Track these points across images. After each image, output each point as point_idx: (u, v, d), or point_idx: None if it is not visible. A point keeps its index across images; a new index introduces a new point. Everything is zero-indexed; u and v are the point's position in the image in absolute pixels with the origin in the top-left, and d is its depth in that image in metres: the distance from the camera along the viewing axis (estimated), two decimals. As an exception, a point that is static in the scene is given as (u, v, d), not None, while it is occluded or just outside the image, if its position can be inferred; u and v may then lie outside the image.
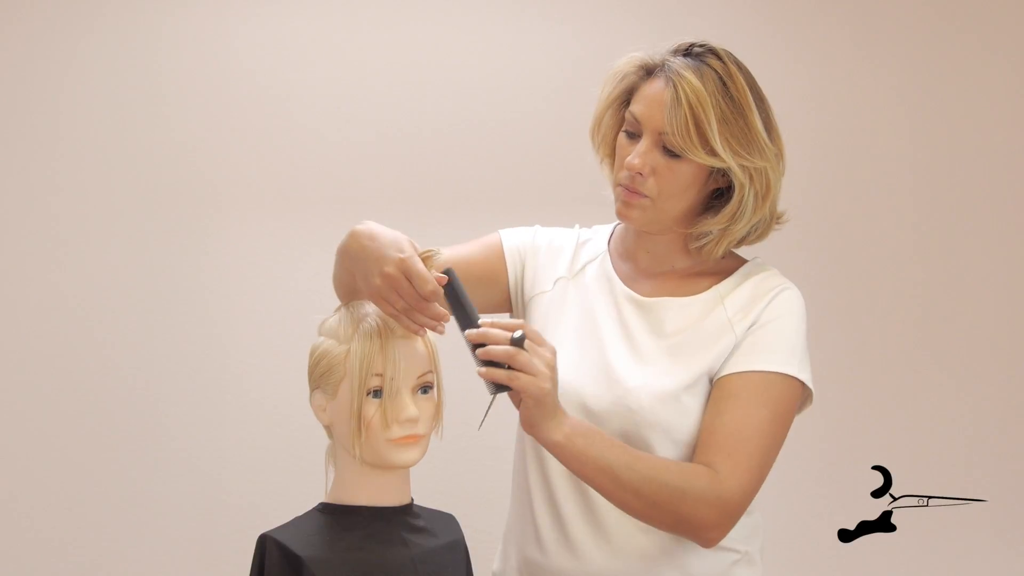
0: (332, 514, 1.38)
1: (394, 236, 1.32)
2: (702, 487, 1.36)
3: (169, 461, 2.34)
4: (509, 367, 1.28)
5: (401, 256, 1.29)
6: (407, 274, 1.28)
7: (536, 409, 1.30)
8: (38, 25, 2.33)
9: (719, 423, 1.41)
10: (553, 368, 1.31)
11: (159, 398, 2.34)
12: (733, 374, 1.43)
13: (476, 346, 1.30)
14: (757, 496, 1.54)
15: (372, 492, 1.38)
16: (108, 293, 2.33)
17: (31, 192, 2.33)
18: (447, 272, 1.32)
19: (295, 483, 2.27)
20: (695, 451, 1.43)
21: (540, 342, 1.31)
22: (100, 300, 2.33)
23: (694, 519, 1.37)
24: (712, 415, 1.43)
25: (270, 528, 1.36)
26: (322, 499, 1.41)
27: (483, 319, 1.31)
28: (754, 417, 1.41)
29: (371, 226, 1.35)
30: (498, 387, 1.30)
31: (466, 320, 1.32)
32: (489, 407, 1.36)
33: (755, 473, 1.40)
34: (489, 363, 1.29)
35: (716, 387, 1.44)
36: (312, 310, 1.47)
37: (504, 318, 1.48)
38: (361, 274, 1.34)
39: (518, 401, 1.32)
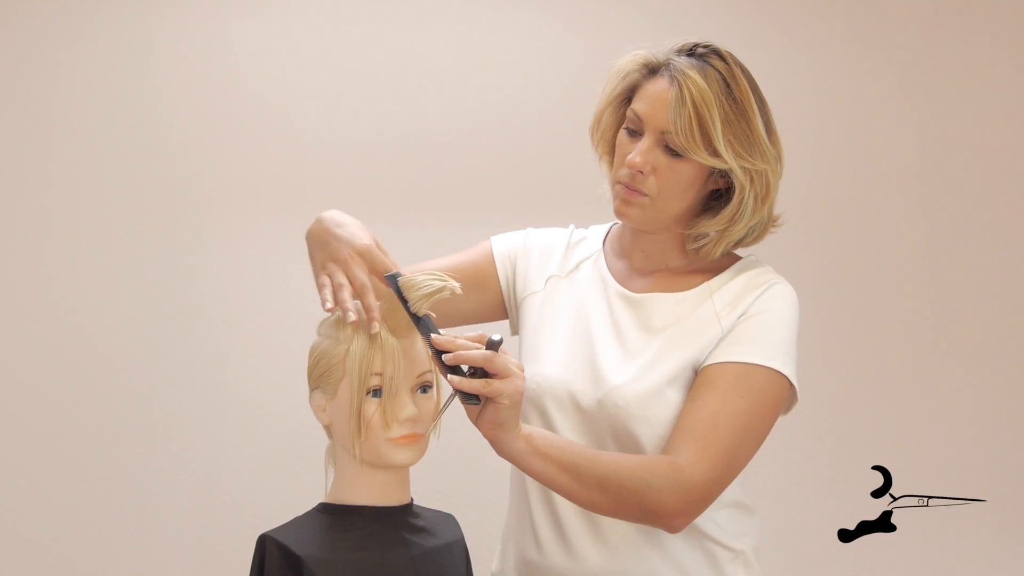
0: (332, 514, 1.38)
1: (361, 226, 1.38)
2: (663, 475, 1.35)
3: (169, 462, 2.34)
4: (482, 374, 1.29)
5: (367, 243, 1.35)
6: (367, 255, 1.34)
7: (509, 411, 1.30)
8: (34, 26, 2.32)
9: (692, 410, 1.41)
10: (522, 369, 1.32)
11: (158, 399, 2.34)
12: (714, 364, 1.43)
13: (439, 353, 1.31)
14: (758, 494, 1.54)
15: (372, 492, 1.38)
16: (106, 294, 2.33)
17: (26, 193, 2.33)
18: (393, 275, 1.34)
19: (295, 483, 2.28)
20: (669, 437, 1.43)
21: (503, 350, 1.32)
22: (98, 301, 2.33)
23: (658, 508, 1.36)
24: (688, 402, 1.42)
25: (270, 528, 1.36)
26: (322, 499, 1.41)
27: (447, 332, 1.33)
28: (729, 407, 1.39)
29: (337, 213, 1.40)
30: (466, 395, 1.30)
31: (424, 326, 1.33)
32: (443, 409, 1.37)
33: (723, 462, 1.39)
34: (452, 369, 1.30)
35: (697, 376, 1.44)
36: (310, 310, 1.47)
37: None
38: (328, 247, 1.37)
39: (475, 413, 1.32)
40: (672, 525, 1.39)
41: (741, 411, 1.40)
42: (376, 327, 1.32)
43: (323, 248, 1.36)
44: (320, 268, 1.36)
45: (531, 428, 1.36)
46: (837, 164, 2.49)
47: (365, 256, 1.34)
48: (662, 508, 1.36)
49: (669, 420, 1.43)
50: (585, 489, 1.35)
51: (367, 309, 1.33)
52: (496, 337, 1.29)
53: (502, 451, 1.35)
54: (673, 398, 1.44)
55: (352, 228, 1.36)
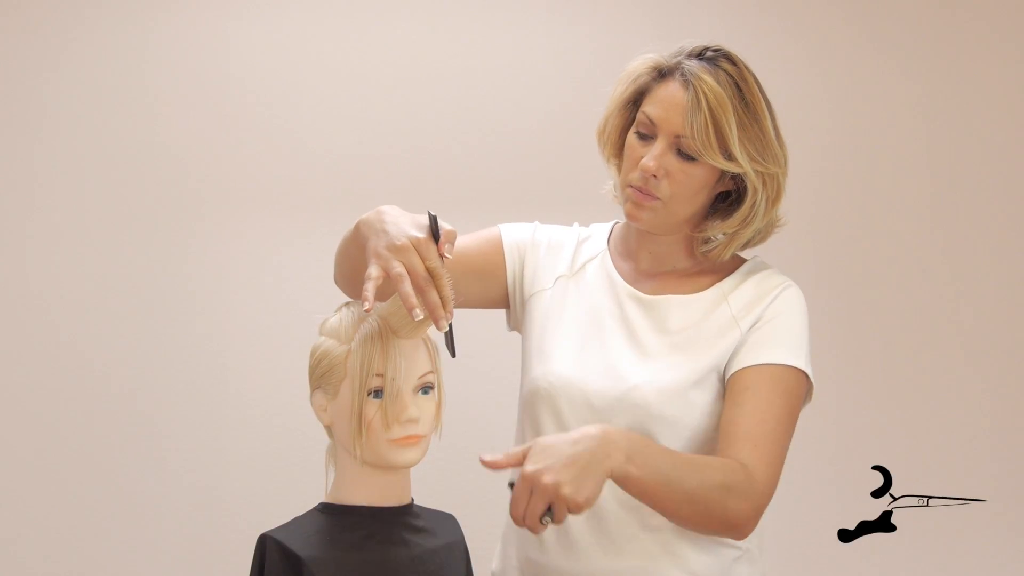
0: (332, 514, 1.38)
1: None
2: (741, 482, 1.35)
3: (169, 462, 2.34)
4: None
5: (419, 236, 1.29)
6: (419, 246, 1.28)
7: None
8: (26, 24, 2.32)
9: (740, 414, 1.41)
10: (544, 475, 1.20)
11: (159, 398, 2.34)
12: (747, 367, 1.44)
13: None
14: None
15: (372, 492, 1.38)
16: (103, 296, 2.33)
17: (16, 194, 2.32)
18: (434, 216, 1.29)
19: (295, 483, 2.27)
20: (719, 445, 1.42)
21: (540, 458, 1.22)
22: (94, 303, 2.33)
23: (737, 516, 1.35)
24: (732, 407, 1.42)
25: (270, 528, 1.36)
26: (322, 499, 1.41)
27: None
28: (774, 406, 1.41)
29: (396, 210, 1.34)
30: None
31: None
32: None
33: (778, 463, 1.41)
34: None
35: (732, 382, 1.45)
36: (311, 310, 1.47)
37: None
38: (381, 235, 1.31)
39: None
40: (742, 532, 1.38)
41: (783, 411, 1.42)
42: (446, 325, 1.27)
43: (379, 235, 1.30)
44: (373, 255, 1.29)
45: (621, 462, 1.26)
46: (844, 165, 2.49)
47: (421, 247, 1.27)
48: (738, 516, 1.35)
49: (689, 420, 1.44)
50: (675, 505, 1.32)
51: (431, 307, 1.26)
52: (509, 484, 1.24)
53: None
54: (697, 400, 1.44)
55: (415, 219, 1.31)
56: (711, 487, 1.33)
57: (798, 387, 1.45)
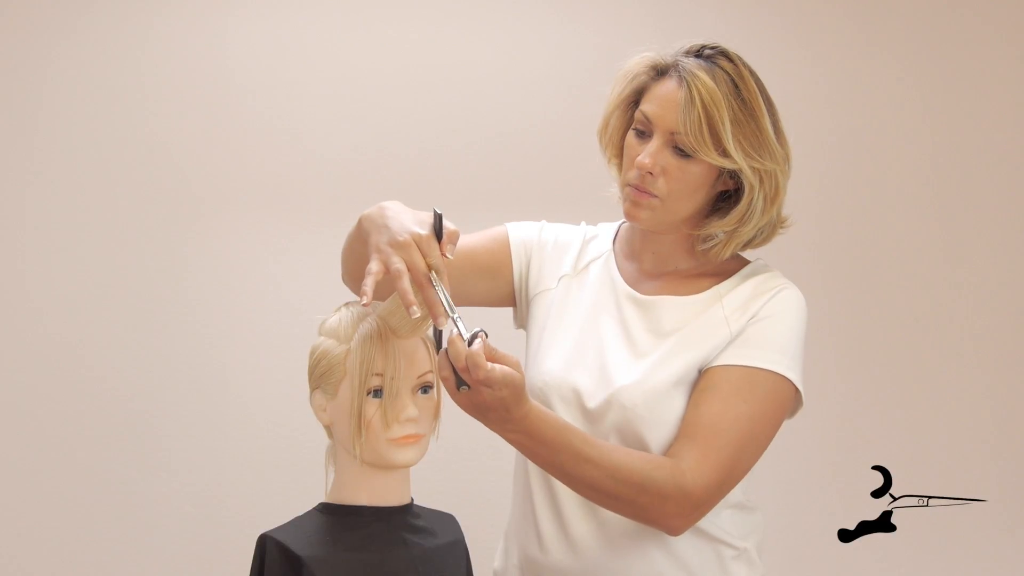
0: (332, 514, 1.38)
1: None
2: (661, 480, 1.35)
3: (169, 461, 2.34)
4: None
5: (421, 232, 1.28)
6: (420, 243, 1.27)
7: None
8: (23, 21, 2.31)
9: (695, 414, 1.41)
10: (481, 407, 1.26)
11: (158, 398, 2.34)
12: (718, 366, 1.43)
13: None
14: (758, 494, 1.54)
15: (372, 492, 1.38)
16: (101, 297, 2.33)
17: (17, 195, 2.32)
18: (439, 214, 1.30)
19: (295, 483, 2.28)
20: (672, 440, 1.43)
21: (489, 383, 1.23)
22: (92, 304, 2.32)
23: (653, 511, 1.36)
24: (692, 406, 1.43)
25: (270, 528, 1.36)
26: (322, 499, 1.41)
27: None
28: (731, 411, 1.40)
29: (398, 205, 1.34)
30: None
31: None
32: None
33: (724, 468, 1.39)
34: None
35: (700, 378, 1.44)
36: (311, 310, 1.47)
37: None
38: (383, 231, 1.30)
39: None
40: (669, 527, 1.39)
41: (745, 416, 1.40)
42: (445, 322, 1.26)
43: (381, 231, 1.29)
44: (374, 251, 1.28)
45: (525, 426, 1.30)
46: (846, 167, 2.49)
47: (423, 244, 1.27)
48: (657, 512, 1.36)
49: (676, 422, 1.43)
50: (575, 487, 1.35)
51: (430, 304, 1.26)
52: (463, 389, 1.25)
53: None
54: (679, 399, 1.44)
55: (417, 215, 1.31)
56: (621, 481, 1.34)
57: (775, 393, 1.43)
